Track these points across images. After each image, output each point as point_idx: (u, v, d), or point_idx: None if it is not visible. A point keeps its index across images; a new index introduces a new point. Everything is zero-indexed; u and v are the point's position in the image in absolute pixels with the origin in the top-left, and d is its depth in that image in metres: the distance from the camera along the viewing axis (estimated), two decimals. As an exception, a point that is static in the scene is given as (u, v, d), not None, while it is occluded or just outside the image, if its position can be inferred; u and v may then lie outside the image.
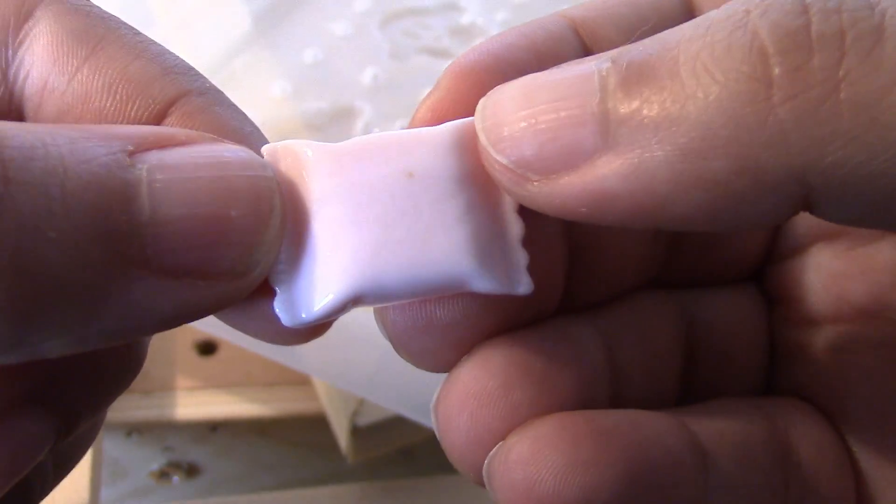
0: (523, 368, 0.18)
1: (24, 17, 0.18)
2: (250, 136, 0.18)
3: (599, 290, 0.21)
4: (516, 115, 0.16)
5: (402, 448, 0.43)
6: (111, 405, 0.41)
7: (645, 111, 0.14)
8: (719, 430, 0.19)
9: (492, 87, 0.17)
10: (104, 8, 0.19)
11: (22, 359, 0.14)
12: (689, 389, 0.22)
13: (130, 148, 0.15)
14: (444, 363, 0.19)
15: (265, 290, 0.17)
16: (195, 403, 0.44)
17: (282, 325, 0.17)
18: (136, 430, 0.47)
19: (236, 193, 0.16)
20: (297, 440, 0.48)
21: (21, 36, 0.18)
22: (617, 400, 0.20)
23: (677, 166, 0.14)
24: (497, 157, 0.16)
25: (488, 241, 0.17)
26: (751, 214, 0.15)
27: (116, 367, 0.20)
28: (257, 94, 0.44)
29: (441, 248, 0.17)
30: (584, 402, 0.19)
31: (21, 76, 0.18)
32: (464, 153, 0.17)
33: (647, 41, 0.15)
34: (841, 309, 0.22)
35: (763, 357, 0.23)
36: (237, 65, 0.45)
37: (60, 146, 0.14)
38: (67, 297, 0.14)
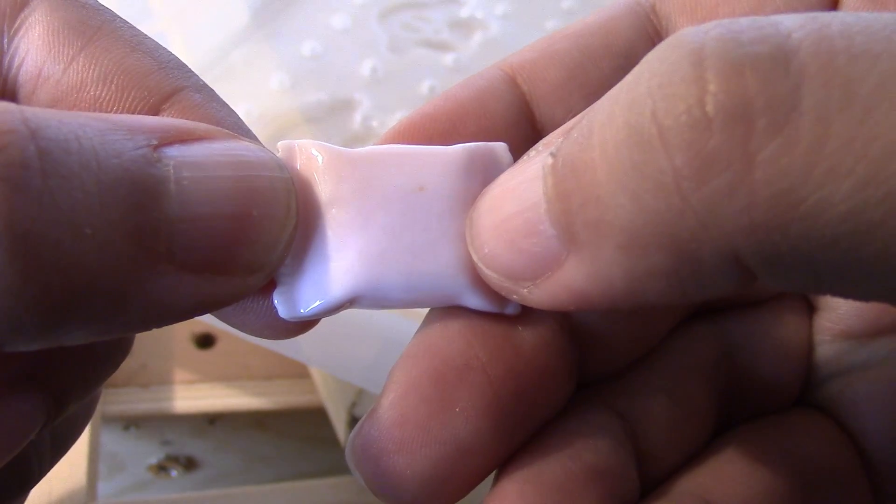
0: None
1: (19, 5, 0.18)
2: (248, 136, 0.18)
3: (623, 357, 0.21)
4: (490, 230, 0.16)
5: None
6: (110, 400, 0.41)
7: (581, 217, 0.14)
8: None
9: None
10: (104, -1, 0.19)
11: (43, 346, 0.14)
12: (726, 414, 0.22)
13: (155, 142, 0.15)
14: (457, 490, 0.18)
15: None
16: (193, 397, 0.44)
17: (271, 318, 0.18)
18: (133, 423, 0.47)
19: (258, 194, 0.16)
20: (295, 433, 0.48)
21: (17, 25, 0.18)
22: (646, 478, 0.20)
23: (625, 263, 0.14)
24: (486, 272, 0.17)
25: None
26: (711, 291, 0.14)
27: (106, 348, 0.20)
28: (256, 86, 0.44)
29: (440, 262, 0.17)
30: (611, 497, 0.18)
31: (16, 64, 0.18)
32: (474, 175, 0.18)
33: (581, 120, 0.15)
34: (881, 320, 0.21)
35: (802, 374, 0.23)
36: (235, 57, 0.45)
37: (92, 138, 0.14)
38: (98, 291, 0.14)
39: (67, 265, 0.13)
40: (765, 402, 0.22)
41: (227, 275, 0.16)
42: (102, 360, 0.20)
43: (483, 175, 0.18)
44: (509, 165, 0.18)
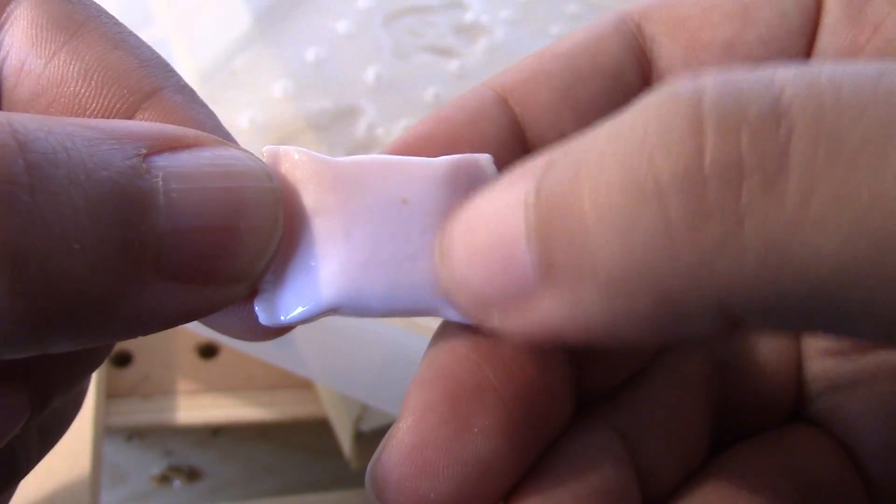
0: None
1: None
2: (227, 139, 0.18)
3: (618, 373, 0.21)
4: (463, 258, 0.16)
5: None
6: (113, 411, 0.41)
7: (564, 258, 0.14)
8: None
9: None
10: (104, 5, 0.19)
11: (29, 355, 0.15)
12: (719, 430, 0.22)
13: (144, 151, 0.15)
14: None
15: None
16: (196, 407, 0.44)
17: (250, 322, 0.18)
18: (136, 434, 0.46)
19: (245, 206, 0.16)
20: (299, 444, 0.48)
21: (3, 18, 0.18)
22: (646, 496, 0.20)
23: (606, 305, 0.14)
24: (458, 300, 0.16)
25: None
26: (689, 335, 0.15)
27: None
28: (259, 93, 0.44)
29: (421, 275, 0.17)
30: None
31: (0, 56, 0.18)
32: (458, 188, 0.18)
33: (566, 155, 0.15)
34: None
35: (793, 389, 0.23)
36: (238, 64, 0.45)
37: (80, 150, 0.14)
38: (85, 304, 0.14)
39: (55, 280, 0.14)
40: (759, 417, 0.22)
41: (213, 284, 0.16)
42: (87, 354, 0.20)
43: (467, 188, 0.18)
44: (494, 177, 0.18)
